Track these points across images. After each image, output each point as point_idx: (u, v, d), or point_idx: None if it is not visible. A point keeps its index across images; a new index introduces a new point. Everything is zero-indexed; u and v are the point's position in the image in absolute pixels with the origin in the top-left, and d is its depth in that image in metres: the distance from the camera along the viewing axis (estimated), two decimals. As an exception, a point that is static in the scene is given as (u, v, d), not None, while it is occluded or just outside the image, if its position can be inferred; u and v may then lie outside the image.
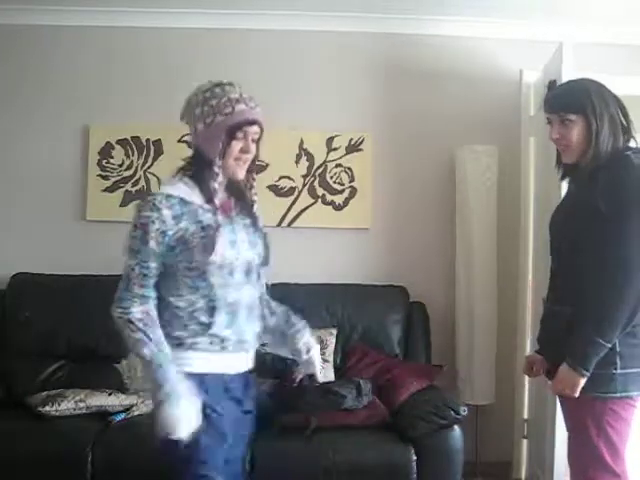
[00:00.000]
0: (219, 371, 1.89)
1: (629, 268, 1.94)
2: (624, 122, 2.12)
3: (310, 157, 3.87)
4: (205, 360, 1.87)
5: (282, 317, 2.12)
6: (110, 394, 3.15)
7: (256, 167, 2.02)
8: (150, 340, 1.80)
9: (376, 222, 3.87)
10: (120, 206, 3.82)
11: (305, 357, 2.12)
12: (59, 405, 3.01)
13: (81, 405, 3.05)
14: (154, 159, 3.85)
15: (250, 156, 1.94)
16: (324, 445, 2.84)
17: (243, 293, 1.92)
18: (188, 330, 1.87)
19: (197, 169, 1.94)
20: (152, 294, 1.87)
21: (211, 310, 1.87)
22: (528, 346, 3.77)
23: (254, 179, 2.02)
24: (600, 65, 3.72)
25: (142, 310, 1.83)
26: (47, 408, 2.99)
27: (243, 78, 4.03)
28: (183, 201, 1.88)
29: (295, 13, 3.79)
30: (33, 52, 3.85)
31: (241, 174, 1.95)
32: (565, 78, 3.10)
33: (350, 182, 3.87)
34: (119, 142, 3.84)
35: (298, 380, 2.61)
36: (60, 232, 3.83)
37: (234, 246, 1.90)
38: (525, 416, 3.75)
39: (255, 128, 1.92)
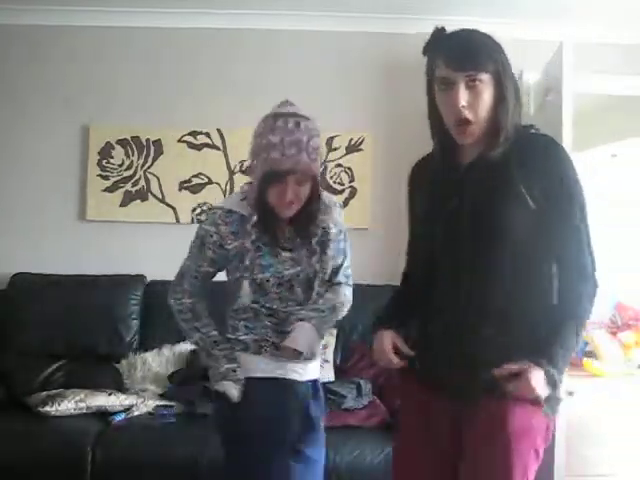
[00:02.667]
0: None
1: None
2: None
3: (310, 157, 3.86)
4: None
5: None
6: (110, 394, 3.15)
7: (318, 205, 2.01)
8: (198, 329, 2.01)
9: (376, 222, 3.87)
10: (120, 206, 3.82)
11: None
12: (59, 405, 3.01)
13: (81, 405, 3.05)
14: (154, 159, 3.85)
15: (295, 200, 1.91)
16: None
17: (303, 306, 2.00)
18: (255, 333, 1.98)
19: (250, 196, 1.98)
20: (202, 293, 2.04)
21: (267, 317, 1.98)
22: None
23: (318, 209, 2.01)
24: (600, 65, 3.73)
25: (191, 302, 2.02)
26: (47, 408, 2.99)
27: (243, 78, 4.02)
28: (243, 217, 1.95)
29: (295, 13, 3.79)
30: (33, 52, 3.85)
31: (289, 214, 1.95)
32: (565, 78, 3.10)
33: (350, 182, 3.87)
34: (119, 142, 3.84)
35: None
36: (60, 232, 3.83)
37: (292, 267, 1.96)
38: (525, 416, 3.74)
39: (294, 176, 1.88)
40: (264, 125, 1.90)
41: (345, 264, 2.21)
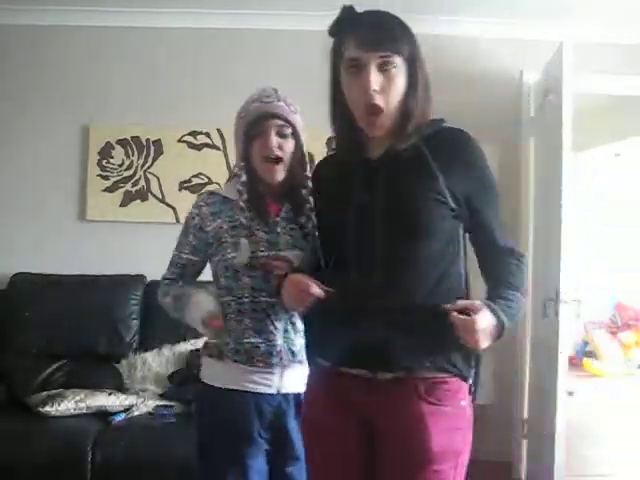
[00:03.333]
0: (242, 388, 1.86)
1: None
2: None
3: (310, 157, 3.85)
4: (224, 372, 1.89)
5: None
6: (110, 394, 3.15)
7: (304, 164, 1.94)
8: (175, 289, 1.97)
9: (376, 222, 3.86)
10: (120, 206, 3.82)
11: None
12: (59, 405, 3.01)
13: (81, 405, 3.05)
14: (154, 159, 3.85)
15: (279, 152, 1.86)
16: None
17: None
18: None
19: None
20: (180, 281, 1.99)
21: (238, 314, 1.89)
22: (528, 346, 3.77)
23: (307, 177, 1.91)
24: (600, 65, 3.73)
25: (170, 286, 1.99)
26: (47, 408, 2.99)
27: (243, 78, 4.03)
28: (225, 199, 1.93)
29: (295, 13, 3.79)
30: (33, 52, 3.85)
31: (275, 176, 1.88)
32: (565, 78, 3.11)
33: (350, 182, 3.86)
34: (119, 142, 3.84)
35: None
36: (60, 232, 3.83)
37: (271, 248, 1.87)
38: (525, 416, 3.75)
39: (275, 121, 1.86)
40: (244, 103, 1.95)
41: None
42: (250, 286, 1.86)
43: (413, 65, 1.58)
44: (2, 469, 2.75)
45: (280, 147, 1.87)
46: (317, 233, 1.74)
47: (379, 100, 1.51)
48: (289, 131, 1.88)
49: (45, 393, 3.14)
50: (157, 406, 3.10)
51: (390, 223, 1.53)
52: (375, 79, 1.49)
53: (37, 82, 3.85)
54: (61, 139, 3.85)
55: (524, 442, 3.74)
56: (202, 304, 1.86)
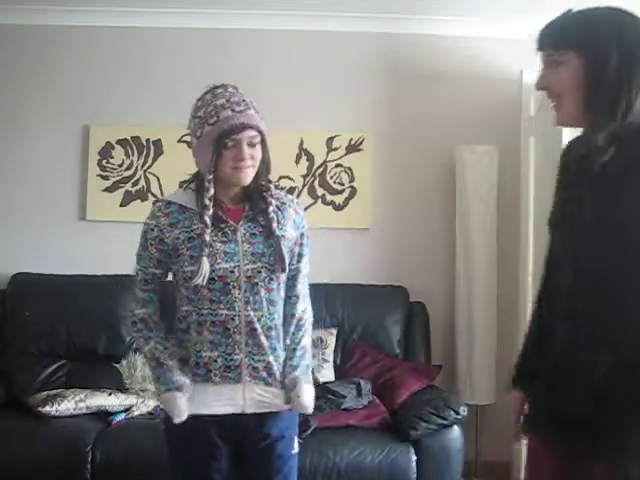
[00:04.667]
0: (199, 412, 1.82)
1: None
2: None
3: (310, 157, 3.87)
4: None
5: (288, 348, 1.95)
6: (110, 394, 3.15)
7: (268, 169, 1.90)
8: (150, 340, 1.87)
9: (376, 222, 3.87)
10: (120, 206, 3.82)
11: (292, 394, 1.88)
12: (59, 405, 3.01)
13: (81, 405, 3.05)
14: (154, 159, 3.85)
15: (251, 162, 1.82)
16: (324, 445, 2.84)
17: (240, 311, 1.83)
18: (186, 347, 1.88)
19: (196, 182, 1.89)
20: (155, 298, 1.91)
21: (198, 326, 1.85)
22: (528, 346, 3.76)
23: (269, 181, 1.90)
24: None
25: (144, 313, 1.89)
26: (47, 408, 2.99)
27: (243, 78, 4.03)
28: (182, 207, 1.87)
29: (296, 13, 3.79)
30: (33, 52, 3.85)
31: (245, 180, 1.83)
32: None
33: (350, 182, 3.87)
34: (119, 142, 3.84)
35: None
36: (60, 232, 3.83)
37: (230, 259, 1.82)
38: (525, 416, 3.75)
39: (248, 132, 1.79)
40: (202, 100, 1.85)
41: (304, 272, 2.01)
42: (209, 299, 1.83)
43: (586, 54, 1.45)
44: (2, 469, 2.75)
45: (251, 156, 1.82)
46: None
47: (550, 98, 1.55)
48: (259, 139, 1.82)
49: (45, 393, 3.15)
50: (157, 406, 3.10)
51: (598, 248, 1.42)
52: (540, 76, 1.52)
53: (37, 82, 3.85)
54: (61, 139, 3.85)
55: (524, 442, 3.74)
56: (175, 407, 1.80)
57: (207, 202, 1.81)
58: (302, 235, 1.98)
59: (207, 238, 1.80)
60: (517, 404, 1.66)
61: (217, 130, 1.77)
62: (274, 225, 1.86)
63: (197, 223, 1.83)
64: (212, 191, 1.81)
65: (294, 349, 1.93)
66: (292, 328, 1.95)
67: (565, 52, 1.45)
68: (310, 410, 1.90)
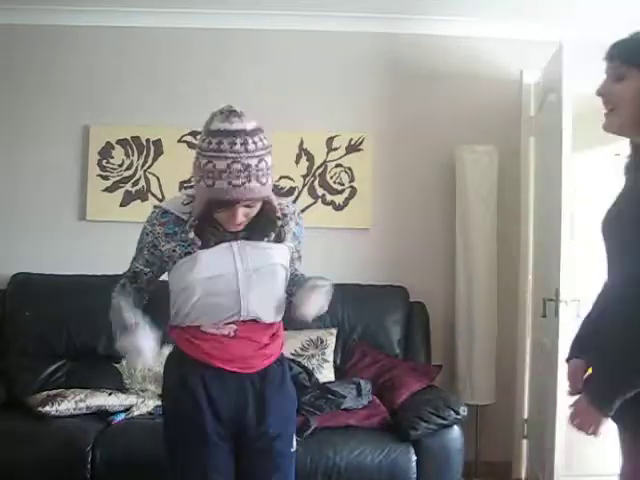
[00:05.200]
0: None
1: None
2: None
3: (310, 157, 3.87)
4: None
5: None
6: (110, 394, 3.15)
7: (274, 210, 1.86)
8: (117, 295, 1.93)
9: (376, 222, 3.87)
10: (120, 206, 3.82)
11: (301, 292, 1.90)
12: (59, 405, 3.01)
13: (81, 405, 3.05)
14: (154, 159, 3.85)
15: (245, 219, 1.79)
16: (324, 445, 2.84)
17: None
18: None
19: (192, 200, 1.88)
20: (139, 294, 1.99)
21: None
22: (528, 346, 3.77)
23: (276, 213, 1.87)
24: (600, 65, 3.73)
25: (124, 297, 1.93)
26: (47, 408, 2.99)
27: (243, 78, 4.03)
28: (179, 219, 1.87)
29: (295, 13, 3.79)
30: (33, 52, 3.85)
31: (239, 228, 1.82)
32: (565, 78, 3.11)
33: (350, 182, 3.87)
34: (119, 142, 3.84)
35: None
36: (60, 232, 3.83)
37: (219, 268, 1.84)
38: (525, 416, 3.75)
39: (242, 203, 1.74)
40: (208, 144, 1.72)
41: (299, 266, 2.08)
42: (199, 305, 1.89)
43: None
44: (2, 469, 2.75)
45: (246, 215, 1.80)
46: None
47: (605, 106, 1.70)
48: (257, 202, 1.79)
49: (45, 393, 3.14)
50: (157, 406, 3.10)
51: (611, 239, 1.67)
52: (602, 84, 1.69)
53: (37, 82, 3.85)
54: (61, 139, 3.85)
55: (524, 442, 3.75)
56: (132, 350, 1.82)
57: (192, 224, 1.82)
58: (299, 243, 2.03)
59: (197, 249, 1.83)
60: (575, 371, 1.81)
61: (209, 195, 1.74)
62: (270, 243, 1.89)
63: (191, 236, 1.84)
64: (195, 222, 1.82)
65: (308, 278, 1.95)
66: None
67: (631, 68, 1.60)
68: (309, 318, 1.89)
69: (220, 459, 1.89)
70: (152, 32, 3.85)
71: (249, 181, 1.70)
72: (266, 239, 1.88)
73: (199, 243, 1.82)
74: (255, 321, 1.90)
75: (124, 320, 1.84)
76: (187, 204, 1.88)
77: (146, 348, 1.81)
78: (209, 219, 1.81)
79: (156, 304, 2.01)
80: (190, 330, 1.92)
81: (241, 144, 1.69)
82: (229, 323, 1.88)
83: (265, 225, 1.87)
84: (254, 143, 1.71)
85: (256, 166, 1.71)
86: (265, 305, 1.91)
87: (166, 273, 1.97)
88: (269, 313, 1.93)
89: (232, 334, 1.88)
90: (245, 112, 1.77)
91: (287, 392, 2.00)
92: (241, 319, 1.88)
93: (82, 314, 3.46)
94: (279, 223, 1.89)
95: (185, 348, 1.95)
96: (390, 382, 3.27)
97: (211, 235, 1.84)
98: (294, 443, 1.99)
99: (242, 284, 1.85)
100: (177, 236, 1.85)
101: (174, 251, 1.85)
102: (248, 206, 1.77)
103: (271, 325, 1.95)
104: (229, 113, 1.72)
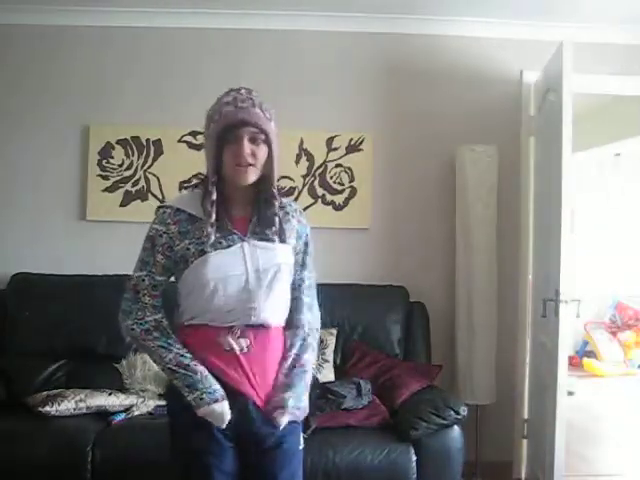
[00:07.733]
0: None
1: None
2: None
3: (310, 157, 3.87)
4: None
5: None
6: (110, 394, 3.14)
7: (273, 173, 1.89)
8: (171, 347, 1.84)
9: (376, 222, 3.87)
10: (120, 206, 3.82)
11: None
12: (59, 405, 3.01)
13: (81, 405, 3.04)
14: (154, 159, 3.85)
15: (252, 159, 1.82)
16: (324, 445, 2.84)
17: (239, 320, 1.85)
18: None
19: (203, 187, 1.88)
20: (161, 304, 1.90)
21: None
22: (528, 346, 3.77)
23: (274, 187, 1.90)
24: (600, 65, 3.74)
25: (156, 319, 1.87)
26: (47, 408, 2.99)
27: (243, 78, 4.03)
28: (192, 217, 1.87)
29: (295, 13, 3.79)
30: (33, 52, 3.85)
31: (247, 179, 1.84)
32: (565, 78, 3.11)
33: (350, 182, 3.87)
34: (119, 142, 3.84)
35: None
36: (60, 232, 3.83)
37: (228, 268, 1.83)
38: (525, 416, 3.75)
39: (248, 128, 1.80)
40: (215, 101, 1.88)
41: (307, 282, 2.03)
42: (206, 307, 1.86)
43: None
44: (2, 469, 2.75)
45: (253, 154, 1.83)
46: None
47: None
48: (262, 137, 1.83)
49: (45, 393, 3.14)
50: (157, 406, 3.11)
51: None
52: None
53: (37, 82, 3.85)
54: (61, 139, 3.85)
55: (524, 442, 3.75)
56: (225, 416, 1.79)
57: (209, 207, 1.82)
58: (306, 244, 2.00)
59: (209, 246, 1.81)
60: None
61: (219, 126, 1.80)
62: (282, 237, 1.89)
63: (205, 234, 1.82)
64: (215, 195, 1.82)
65: (293, 366, 1.91)
66: (296, 340, 1.95)
67: None
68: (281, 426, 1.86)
69: (225, 459, 1.87)
70: (152, 32, 3.84)
71: (253, 106, 1.81)
72: (273, 228, 1.87)
73: (212, 238, 1.81)
74: (264, 327, 1.87)
75: (206, 387, 1.80)
76: (193, 190, 1.90)
77: (228, 412, 1.81)
78: (219, 187, 1.83)
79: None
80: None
81: (246, 91, 1.86)
82: (238, 327, 1.85)
83: (269, 217, 1.88)
84: (258, 98, 1.86)
85: (260, 102, 1.84)
86: (274, 305, 1.89)
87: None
88: (277, 314, 1.92)
89: (245, 350, 1.85)
90: None
91: None
92: (251, 322, 1.85)
93: (82, 314, 3.46)
94: (276, 204, 1.89)
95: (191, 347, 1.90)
96: (390, 382, 3.27)
97: (221, 236, 1.84)
98: (302, 441, 1.97)
99: (252, 285, 1.84)
100: (190, 234, 1.85)
101: (187, 249, 1.84)
102: (253, 142, 1.82)
103: (278, 330, 1.93)
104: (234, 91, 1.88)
